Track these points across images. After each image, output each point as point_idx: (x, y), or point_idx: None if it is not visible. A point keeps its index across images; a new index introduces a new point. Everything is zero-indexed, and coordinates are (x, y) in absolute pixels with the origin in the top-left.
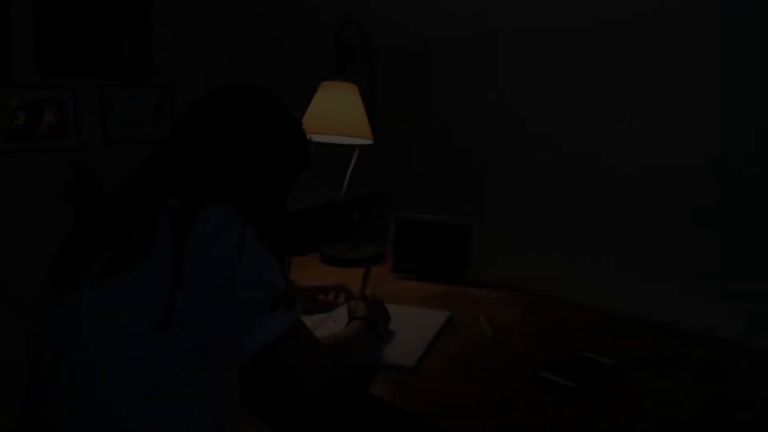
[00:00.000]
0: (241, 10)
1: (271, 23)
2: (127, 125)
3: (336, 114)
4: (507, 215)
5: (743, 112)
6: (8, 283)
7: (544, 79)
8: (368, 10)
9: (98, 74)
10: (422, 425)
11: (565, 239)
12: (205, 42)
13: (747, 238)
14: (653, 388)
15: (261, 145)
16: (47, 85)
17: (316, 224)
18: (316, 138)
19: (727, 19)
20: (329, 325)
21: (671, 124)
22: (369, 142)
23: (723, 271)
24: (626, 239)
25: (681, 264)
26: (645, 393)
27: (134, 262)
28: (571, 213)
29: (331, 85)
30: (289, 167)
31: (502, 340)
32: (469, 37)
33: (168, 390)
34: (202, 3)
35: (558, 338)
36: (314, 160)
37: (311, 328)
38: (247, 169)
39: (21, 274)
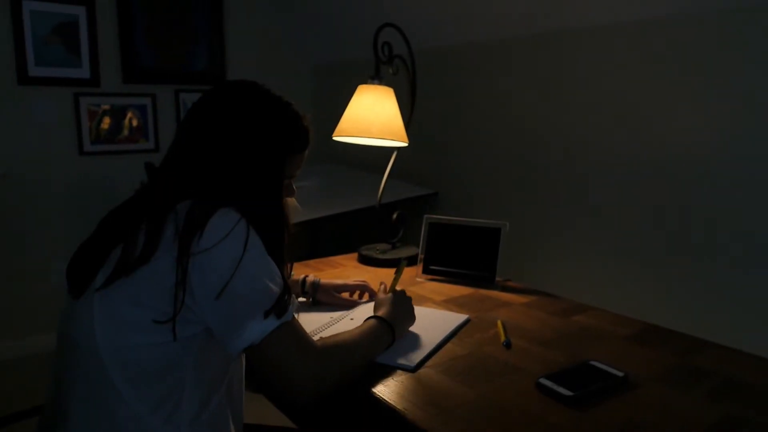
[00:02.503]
0: (307, 19)
1: (333, 32)
2: None
3: (372, 117)
4: (540, 221)
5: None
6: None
7: (582, 84)
8: (408, 13)
9: (175, 81)
10: (415, 425)
11: (597, 247)
12: (273, 49)
13: None
14: (661, 401)
15: (250, 131)
16: (130, 93)
17: (362, 225)
18: (354, 140)
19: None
20: (346, 321)
21: (713, 139)
22: (404, 144)
23: (754, 283)
24: (658, 250)
25: (714, 276)
26: (650, 406)
27: (139, 266)
28: (603, 222)
29: (367, 89)
30: (283, 148)
31: (515, 346)
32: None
33: (171, 376)
34: (269, 14)
35: (575, 346)
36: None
37: (329, 324)
38: (240, 155)
39: None
